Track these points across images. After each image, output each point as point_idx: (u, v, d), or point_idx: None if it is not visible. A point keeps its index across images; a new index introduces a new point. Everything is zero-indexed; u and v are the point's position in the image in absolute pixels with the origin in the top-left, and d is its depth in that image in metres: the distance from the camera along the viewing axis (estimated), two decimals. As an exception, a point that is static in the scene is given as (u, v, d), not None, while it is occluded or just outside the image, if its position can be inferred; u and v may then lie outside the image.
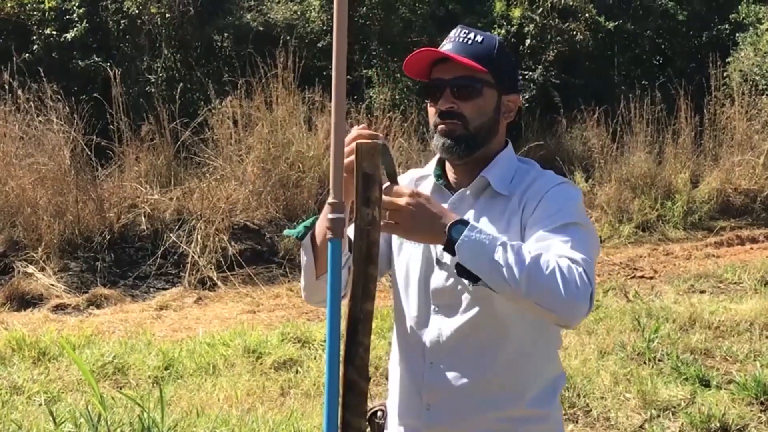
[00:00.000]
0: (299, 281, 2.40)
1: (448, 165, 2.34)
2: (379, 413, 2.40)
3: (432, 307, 2.25)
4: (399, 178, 2.16)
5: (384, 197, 1.90)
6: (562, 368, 2.41)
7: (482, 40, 2.25)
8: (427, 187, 2.36)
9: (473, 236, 1.93)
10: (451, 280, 2.18)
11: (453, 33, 2.28)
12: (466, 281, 2.07)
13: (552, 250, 2.01)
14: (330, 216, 1.84)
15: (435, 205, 2.00)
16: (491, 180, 2.25)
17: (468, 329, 2.20)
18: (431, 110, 2.29)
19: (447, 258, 2.16)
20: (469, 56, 2.21)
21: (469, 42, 2.24)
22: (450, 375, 2.22)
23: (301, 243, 2.23)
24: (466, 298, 2.18)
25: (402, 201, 1.94)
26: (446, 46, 2.26)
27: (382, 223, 1.88)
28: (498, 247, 1.93)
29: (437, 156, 2.35)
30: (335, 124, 1.85)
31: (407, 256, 2.31)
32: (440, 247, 2.09)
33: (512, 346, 2.22)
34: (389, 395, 2.41)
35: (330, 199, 1.84)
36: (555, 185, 2.21)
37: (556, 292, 1.92)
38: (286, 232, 2.29)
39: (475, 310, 2.18)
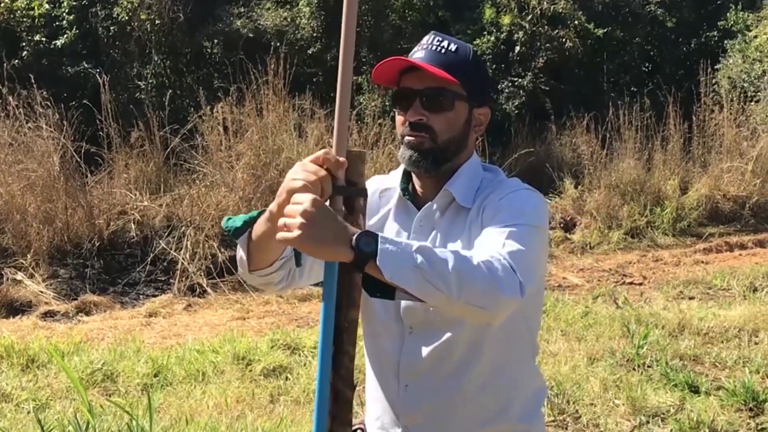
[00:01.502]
0: (289, 289, 2.34)
1: (414, 177, 2.24)
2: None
3: (405, 327, 2.15)
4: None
5: (287, 206, 1.76)
6: (543, 381, 2.34)
7: (456, 49, 2.15)
8: (391, 201, 2.29)
9: (389, 248, 1.73)
10: None
11: (425, 40, 2.18)
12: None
13: (484, 246, 1.92)
14: None
15: (336, 217, 1.78)
16: (455, 194, 2.16)
17: (443, 349, 2.11)
18: (399, 119, 2.19)
19: None
20: (442, 66, 2.11)
21: (442, 51, 2.14)
22: (426, 397, 2.15)
23: (240, 239, 2.09)
24: (438, 317, 2.08)
25: (303, 206, 1.71)
26: (418, 54, 2.16)
27: (277, 235, 1.73)
28: (415, 254, 1.75)
29: (402, 167, 2.26)
30: (338, 130, 1.84)
31: None
32: None
33: (487, 361, 2.13)
34: (367, 414, 2.33)
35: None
36: (512, 191, 2.11)
37: (485, 288, 1.78)
38: (223, 223, 2.10)
39: (449, 328, 2.10)
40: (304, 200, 1.71)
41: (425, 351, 2.13)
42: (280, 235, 1.72)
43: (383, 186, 2.33)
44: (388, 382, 2.21)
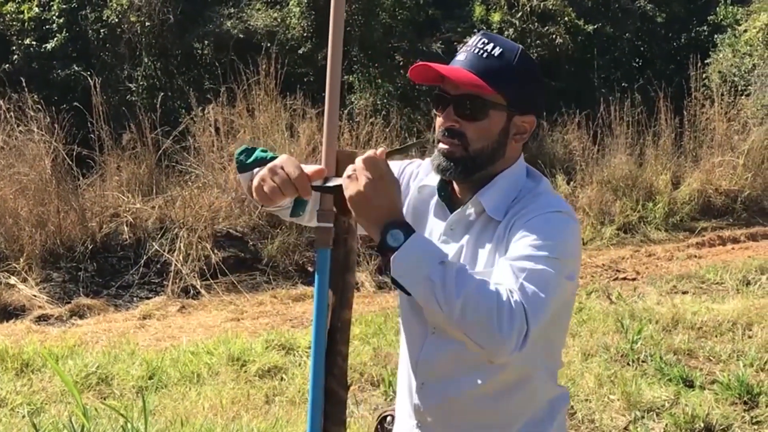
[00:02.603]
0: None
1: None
2: (389, 418, 2.37)
3: (429, 328, 2.12)
4: (407, 167, 2.13)
5: (356, 163, 1.82)
6: (562, 389, 2.28)
7: (500, 53, 2.07)
8: (432, 199, 2.26)
9: (412, 250, 1.80)
10: None
11: (471, 41, 2.12)
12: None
13: (505, 279, 1.87)
14: (318, 225, 1.82)
15: (395, 196, 1.88)
16: (485, 204, 2.09)
17: (460, 355, 2.06)
18: (437, 121, 2.14)
19: None
20: (480, 72, 2.04)
21: (485, 55, 2.06)
22: (439, 398, 2.14)
23: (241, 174, 2.11)
24: None
25: (380, 167, 1.82)
26: (459, 56, 2.10)
27: (341, 179, 1.80)
28: (438, 266, 1.79)
29: None
30: (327, 133, 1.84)
31: None
32: None
33: (502, 374, 2.09)
34: (396, 402, 2.35)
35: (318, 207, 1.84)
36: (543, 213, 2.01)
37: (486, 330, 1.78)
38: (236, 152, 2.10)
39: None
40: (381, 164, 1.80)
41: (443, 353, 2.11)
42: (345, 181, 1.78)
43: (423, 182, 2.28)
44: (408, 377, 2.22)
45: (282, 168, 1.89)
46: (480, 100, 2.05)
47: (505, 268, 1.90)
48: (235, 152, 2.13)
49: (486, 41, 2.08)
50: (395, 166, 2.24)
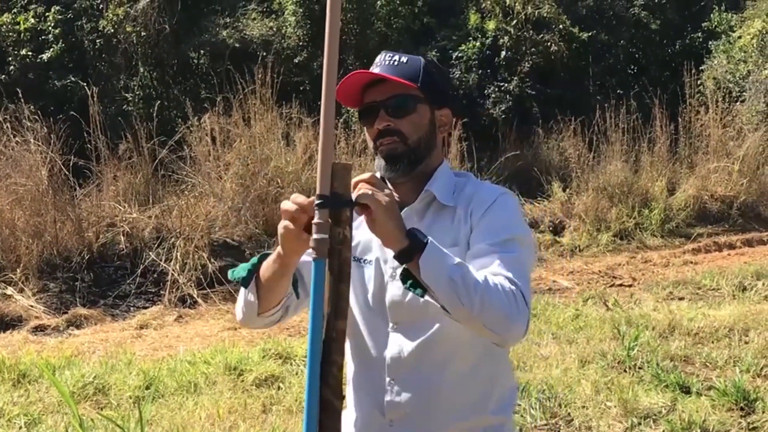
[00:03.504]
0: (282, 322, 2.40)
1: (389, 186, 2.29)
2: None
3: (390, 324, 2.27)
4: None
5: (365, 184, 1.95)
6: (515, 380, 2.46)
7: (407, 60, 2.31)
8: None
9: (434, 251, 1.96)
10: (409, 295, 2.17)
11: (378, 58, 2.33)
12: (412, 293, 2.05)
13: (495, 269, 2.06)
14: (315, 236, 1.85)
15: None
16: (436, 193, 2.29)
17: (426, 343, 2.22)
18: (368, 133, 2.32)
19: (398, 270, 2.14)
20: (399, 75, 2.26)
21: (395, 63, 2.29)
22: (412, 390, 2.25)
23: (246, 290, 2.22)
24: (423, 313, 2.18)
25: (387, 193, 1.97)
26: (374, 70, 2.30)
27: (368, 198, 1.92)
28: (454, 266, 1.96)
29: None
30: (323, 143, 1.86)
31: (356, 276, 2.30)
32: (391, 263, 2.18)
33: (466, 355, 2.25)
34: (354, 406, 2.40)
35: (315, 219, 1.85)
36: (499, 195, 2.27)
37: (503, 317, 1.98)
38: (230, 275, 2.24)
39: (434, 324, 2.20)
40: (383, 186, 1.98)
41: (410, 345, 2.24)
42: (371, 199, 1.92)
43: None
44: (373, 378, 2.29)
45: (284, 220, 1.97)
46: (407, 96, 2.27)
47: (490, 255, 2.11)
48: (229, 277, 2.26)
49: (392, 55, 2.33)
50: None
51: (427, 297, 1.99)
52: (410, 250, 1.95)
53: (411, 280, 1.99)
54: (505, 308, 1.98)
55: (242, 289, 2.24)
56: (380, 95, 2.28)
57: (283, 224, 1.95)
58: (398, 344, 2.25)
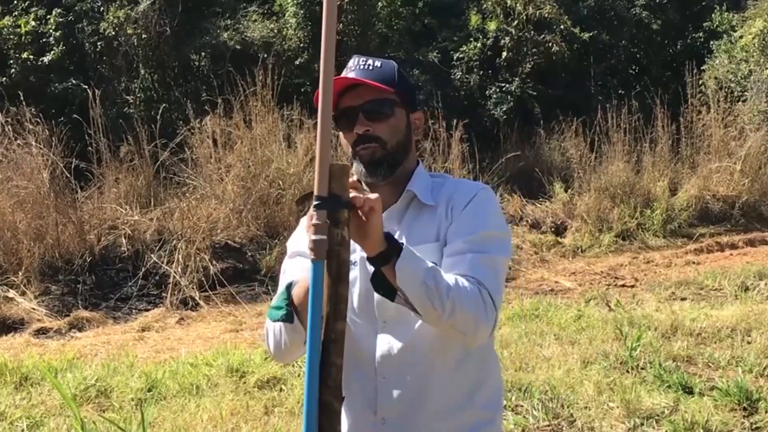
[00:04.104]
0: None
1: (367, 189, 2.33)
2: None
3: (379, 323, 2.29)
4: None
5: (358, 194, 1.96)
6: (501, 377, 2.49)
7: (381, 64, 2.33)
8: None
9: (409, 256, 2.00)
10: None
11: (352, 62, 2.34)
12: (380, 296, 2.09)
13: (467, 270, 2.12)
14: (313, 237, 1.84)
15: None
16: (417, 192, 2.31)
17: (415, 339, 2.25)
18: (345, 138, 2.32)
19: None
20: (375, 79, 2.27)
21: (370, 68, 2.31)
22: (404, 387, 2.27)
23: (291, 325, 2.18)
24: (410, 310, 2.16)
25: (375, 199, 1.98)
26: (349, 75, 2.31)
27: (364, 207, 1.93)
28: (427, 271, 2.01)
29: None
30: (320, 142, 1.86)
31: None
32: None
33: (455, 348, 2.27)
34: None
35: (313, 221, 1.85)
36: (479, 191, 2.31)
37: (471, 320, 2.06)
38: (271, 317, 2.19)
39: (420, 321, 2.20)
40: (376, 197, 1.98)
41: (399, 342, 2.26)
42: (368, 202, 1.94)
43: None
44: (363, 377, 2.30)
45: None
46: (385, 100, 2.29)
47: (464, 257, 2.16)
48: (273, 319, 2.19)
49: (365, 59, 2.35)
50: None
51: (396, 301, 2.04)
52: (387, 253, 1.99)
53: (383, 284, 2.03)
54: (474, 311, 2.05)
55: (274, 325, 2.22)
56: (357, 100, 2.28)
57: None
58: (387, 342, 2.28)
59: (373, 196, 1.98)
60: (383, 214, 2.25)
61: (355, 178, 2.29)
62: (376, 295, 2.23)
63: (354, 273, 2.29)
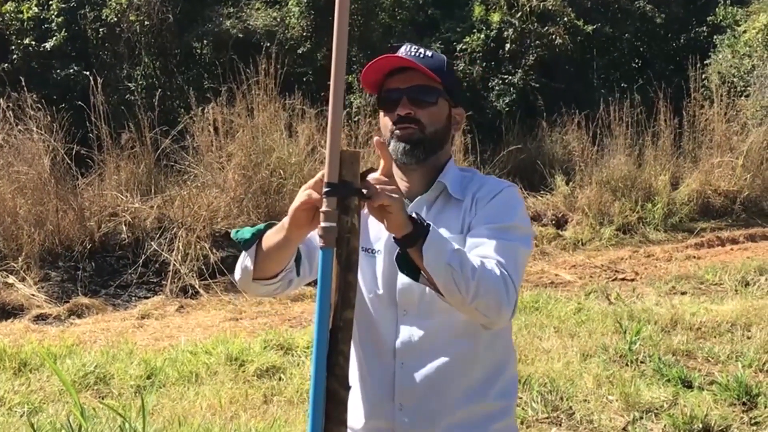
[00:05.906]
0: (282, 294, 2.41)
1: (398, 174, 2.37)
2: None
3: (400, 310, 2.31)
4: None
5: (377, 177, 1.97)
6: (517, 372, 2.51)
7: (432, 55, 2.34)
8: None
9: (436, 237, 2.00)
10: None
11: (403, 49, 2.35)
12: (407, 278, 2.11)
13: (490, 254, 2.13)
14: (323, 224, 1.83)
15: None
16: (448, 185, 2.34)
17: (436, 329, 2.27)
18: (386, 119, 2.35)
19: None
20: (425, 66, 2.29)
21: (421, 56, 2.32)
22: (422, 374, 2.29)
23: (246, 252, 2.26)
24: (433, 298, 2.18)
25: (394, 188, 1.99)
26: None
27: (380, 198, 1.93)
28: (453, 252, 2.02)
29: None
30: (331, 129, 1.85)
31: (366, 266, 2.35)
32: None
33: (474, 341, 2.29)
34: (352, 398, 2.41)
35: (323, 208, 1.84)
36: (505, 187, 2.34)
37: (494, 303, 2.06)
38: (232, 235, 2.28)
39: (443, 310, 2.21)
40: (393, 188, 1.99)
41: (421, 331, 2.29)
42: (385, 198, 1.93)
43: None
44: (383, 364, 2.33)
45: (308, 189, 2.00)
46: (431, 87, 2.31)
47: (488, 241, 2.18)
48: (232, 236, 2.30)
49: (417, 47, 2.36)
50: None
51: (420, 281, 2.06)
52: (414, 235, 1.99)
53: (407, 264, 2.05)
54: (498, 295, 2.06)
55: (243, 252, 2.28)
56: (404, 83, 2.31)
57: (306, 192, 1.97)
58: (408, 330, 2.30)
59: (391, 187, 1.98)
60: (414, 201, 2.35)
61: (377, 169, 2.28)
62: (399, 284, 2.28)
63: (379, 261, 2.33)
